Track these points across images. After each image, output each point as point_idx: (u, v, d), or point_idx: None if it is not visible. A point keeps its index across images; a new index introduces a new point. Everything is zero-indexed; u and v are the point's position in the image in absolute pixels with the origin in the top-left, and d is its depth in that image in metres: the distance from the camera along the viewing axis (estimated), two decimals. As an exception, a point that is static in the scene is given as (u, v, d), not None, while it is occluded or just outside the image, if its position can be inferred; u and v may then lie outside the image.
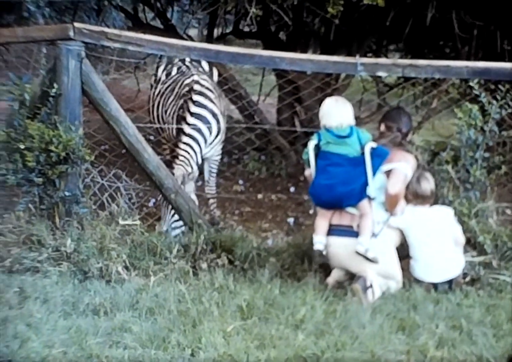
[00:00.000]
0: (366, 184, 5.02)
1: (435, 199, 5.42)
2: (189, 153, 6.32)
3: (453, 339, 4.41)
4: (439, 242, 5.26)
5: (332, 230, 5.12)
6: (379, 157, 5.06)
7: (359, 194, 5.03)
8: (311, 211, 6.87)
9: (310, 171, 5.24)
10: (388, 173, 5.15)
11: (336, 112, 5.18)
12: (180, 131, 6.43)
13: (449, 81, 6.55)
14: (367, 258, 4.98)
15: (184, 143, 6.34)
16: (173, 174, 6.01)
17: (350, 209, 5.08)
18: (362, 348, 4.26)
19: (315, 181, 5.15)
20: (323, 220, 5.14)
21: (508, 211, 5.98)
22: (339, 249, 5.08)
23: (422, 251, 5.25)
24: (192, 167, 6.26)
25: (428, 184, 5.32)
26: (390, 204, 5.18)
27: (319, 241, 5.10)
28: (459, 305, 4.92)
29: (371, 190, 5.04)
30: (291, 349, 4.20)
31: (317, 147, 5.15)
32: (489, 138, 5.74)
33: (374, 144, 5.08)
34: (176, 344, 4.21)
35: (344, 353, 4.19)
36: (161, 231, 5.84)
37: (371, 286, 4.94)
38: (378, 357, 4.17)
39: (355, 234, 5.03)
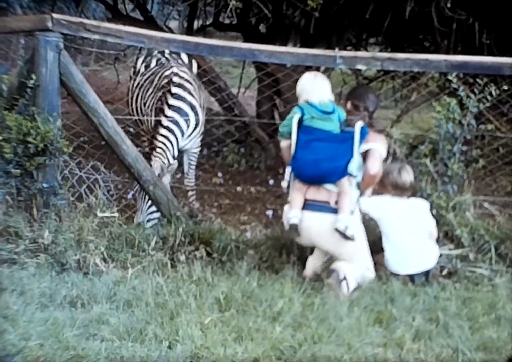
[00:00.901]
0: (349, 161, 4.99)
1: (413, 192, 5.44)
2: (166, 145, 6.31)
3: (429, 331, 4.44)
4: (413, 234, 5.28)
5: (307, 205, 5.06)
6: (362, 136, 5.04)
7: (343, 171, 4.99)
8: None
9: (286, 143, 5.18)
10: (363, 153, 5.14)
11: (317, 87, 5.18)
12: (158, 123, 6.42)
13: (428, 75, 6.56)
14: (345, 236, 4.93)
15: (162, 135, 6.33)
16: (151, 165, 6.01)
17: (328, 185, 5.04)
18: (339, 340, 4.27)
19: (297, 156, 5.06)
20: (298, 194, 5.08)
21: (485, 205, 6.01)
22: (313, 224, 5.02)
23: (395, 242, 5.27)
24: (168, 159, 6.25)
25: (408, 176, 5.34)
26: (367, 184, 5.20)
27: (295, 215, 5.02)
28: (436, 298, 4.94)
29: (353, 168, 5.01)
30: (268, 341, 4.20)
31: (299, 121, 5.09)
32: (467, 132, 5.77)
33: (362, 123, 5.07)
34: (153, 337, 4.20)
35: (321, 345, 4.20)
36: (136, 222, 5.84)
37: (345, 278, 4.93)
38: (355, 350, 4.18)
39: (331, 210, 4.99)
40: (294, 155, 5.08)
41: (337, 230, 4.92)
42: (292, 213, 5.02)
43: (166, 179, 6.10)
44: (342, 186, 5.01)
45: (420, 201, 5.38)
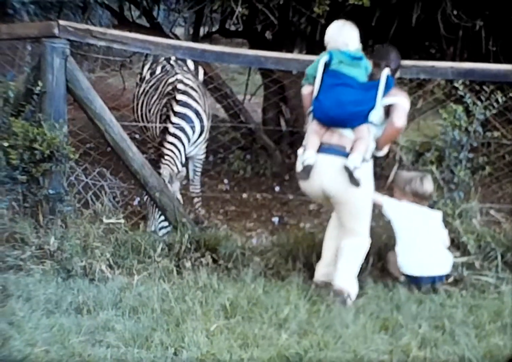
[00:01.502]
0: (372, 109, 4.97)
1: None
2: (174, 152, 6.32)
3: (435, 339, 4.44)
4: (427, 238, 5.28)
5: (323, 148, 5.01)
6: (387, 86, 5.00)
7: (365, 117, 4.96)
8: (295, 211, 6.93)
9: (309, 89, 5.14)
10: (386, 107, 5.07)
11: (345, 34, 5.15)
12: (164, 130, 6.43)
13: (434, 82, 6.56)
14: (352, 178, 4.88)
15: (169, 142, 6.34)
16: (159, 173, 6.01)
17: (345, 131, 5.00)
18: (345, 347, 4.27)
19: (320, 98, 5.03)
20: (315, 137, 5.03)
21: (491, 212, 6.01)
22: (326, 167, 4.96)
23: (410, 244, 5.26)
24: (177, 166, 6.26)
25: (429, 186, 5.36)
26: (389, 138, 5.15)
27: (310, 156, 4.96)
28: (442, 305, 4.94)
29: (375, 117, 4.98)
30: (274, 348, 4.21)
31: (325, 66, 5.05)
32: (473, 139, 5.78)
33: (388, 71, 5.03)
34: (159, 343, 4.21)
35: (327, 352, 4.21)
36: (148, 231, 5.84)
37: (348, 296, 4.95)
38: (361, 357, 4.18)
39: (346, 155, 4.93)
40: (318, 97, 5.05)
41: (345, 168, 4.87)
42: (308, 154, 4.97)
43: (176, 186, 6.11)
44: (360, 132, 4.97)
45: (435, 211, 5.40)
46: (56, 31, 5.49)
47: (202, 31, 9.51)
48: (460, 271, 5.34)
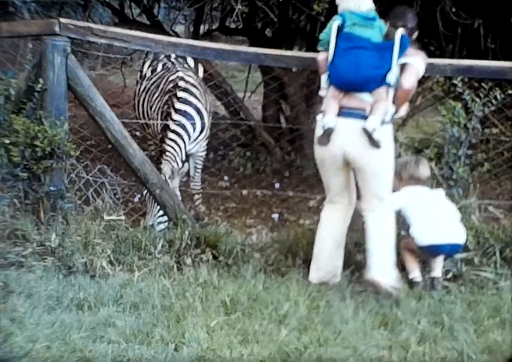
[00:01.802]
0: (389, 71, 4.89)
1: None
2: (174, 149, 6.33)
3: (434, 335, 4.44)
4: (439, 213, 5.28)
5: (342, 112, 4.94)
6: (403, 46, 4.92)
7: (382, 80, 4.89)
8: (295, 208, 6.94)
9: (325, 55, 5.04)
10: (400, 67, 5.00)
11: None
12: (165, 127, 6.43)
13: (433, 79, 6.55)
14: (371, 139, 4.83)
15: (170, 139, 6.36)
16: (160, 170, 6.03)
17: (363, 95, 4.94)
18: (344, 343, 4.27)
19: (336, 62, 4.93)
20: (334, 101, 4.94)
21: (490, 208, 6.01)
22: (346, 130, 4.90)
23: (424, 221, 5.23)
24: (177, 163, 6.28)
25: (425, 168, 5.36)
26: (400, 100, 5.08)
27: (331, 119, 4.88)
28: (441, 301, 4.94)
29: (392, 78, 4.91)
30: (274, 344, 4.21)
31: (339, 29, 4.95)
32: (472, 136, 5.78)
33: (403, 31, 4.94)
34: (160, 339, 4.21)
35: (327, 348, 4.21)
36: (146, 225, 5.85)
37: (390, 287, 4.95)
38: (361, 353, 4.19)
39: (365, 118, 4.88)
40: (333, 62, 4.95)
41: (364, 130, 4.83)
42: (328, 118, 4.89)
43: (176, 182, 6.12)
44: (379, 95, 4.91)
45: (437, 190, 5.43)
46: (57, 29, 5.48)
47: (202, 28, 9.51)
48: (459, 267, 5.35)
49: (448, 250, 5.26)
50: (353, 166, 5.02)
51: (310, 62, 5.99)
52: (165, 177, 6.06)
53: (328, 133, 4.88)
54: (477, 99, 5.81)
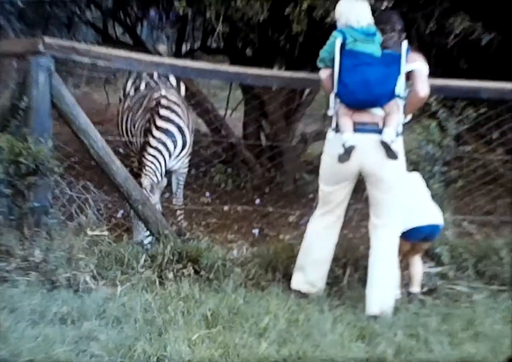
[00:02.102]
0: (397, 83, 4.89)
1: None
2: (154, 165, 6.34)
3: (410, 347, 4.47)
4: (417, 196, 5.28)
5: (357, 128, 4.90)
6: (406, 57, 4.91)
7: (393, 93, 4.88)
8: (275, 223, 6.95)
9: (328, 73, 4.98)
10: (406, 74, 4.97)
11: (357, 9, 4.98)
12: (145, 143, 6.45)
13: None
14: (389, 150, 4.83)
15: (151, 154, 6.37)
16: (140, 184, 6.03)
17: (375, 109, 4.92)
18: (323, 356, 4.28)
19: (346, 81, 4.86)
20: (347, 118, 4.90)
21: (464, 224, 6.05)
22: (363, 145, 4.87)
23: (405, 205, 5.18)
24: (157, 178, 6.29)
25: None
26: (415, 106, 5.08)
27: (350, 137, 4.84)
28: (416, 314, 4.98)
29: (401, 90, 4.92)
30: (254, 357, 4.21)
31: (341, 46, 4.88)
32: (446, 153, 5.82)
33: (407, 43, 4.94)
34: (142, 353, 4.18)
35: (306, 361, 4.22)
36: (137, 240, 5.85)
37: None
38: (339, 365, 4.21)
39: (380, 132, 4.88)
40: (342, 81, 4.88)
41: (382, 143, 4.83)
42: (347, 136, 4.85)
43: (157, 197, 6.14)
44: (389, 108, 4.90)
45: (412, 173, 5.39)
46: (41, 47, 5.47)
47: (184, 48, 9.54)
48: (434, 281, 5.39)
49: (428, 232, 5.22)
50: (370, 180, 5.00)
51: (289, 81, 6.06)
52: (146, 192, 6.06)
53: (349, 151, 4.83)
54: (451, 118, 5.87)
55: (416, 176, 5.37)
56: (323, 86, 5.13)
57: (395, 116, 4.91)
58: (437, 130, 5.80)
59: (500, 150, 6.95)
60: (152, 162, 6.35)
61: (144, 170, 6.30)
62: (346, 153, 4.84)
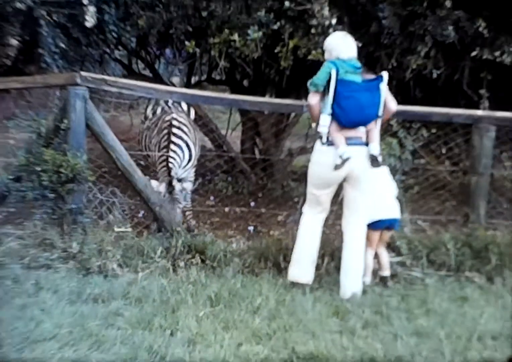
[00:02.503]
0: (379, 106, 4.86)
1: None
2: (170, 171, 6.34)
3: (375, 321, 4.51)
4: (383, 190, 5.22)
5: (347, 142, 4.82)
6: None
7: (377, 114, 4.87)
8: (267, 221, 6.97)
9: (317, 98, 4.82)
10: None
11: (347, 44, 4.88)
12: (164, 155, 6.48)
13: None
14: (376, 161, 4.84)
15: (169, 162, 6.41)
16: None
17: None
18: (305, 329, 4.33)
19: (343, 105, 4.74)
20: (339, 134, 4.80)
21: (419, 222, 6.07)
22: (353, 155, 4.79)
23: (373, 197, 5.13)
24: (171, 181, 6.27)
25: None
26: (387, 118, 5.11)
27: (345, 150, 4.76)
28: (380, 295, 5.00)
29: (381, 110, 4.89)
30: (249, 330, 4.26)
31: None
32: (405, 165, 5.84)
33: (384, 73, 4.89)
34: (159, 326, 4.24)
35: (291, 333, 4.26)
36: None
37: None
38: (317, 336, 4.23)
39: (364, 144, 4.85)
40: (339, 105, 4.75)
41: (371, 156, 4.82)
42: (343, 149, 4.77)
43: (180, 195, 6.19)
44: (372, 125, 4.88)
45: (382, 167, 5.24)
46: (78, 80, 5.53)
47: (194, 79, 9.54)
48: (394, 268, 5.39)
49: (387, 224, 5.20)
50: (351, 182, 4.93)
51: (278, 106, 6.09)
52: (163, 193, 6.08)
53: (345, 161, 4.79)
54: (409, 136, 5.90)
55: (385, 170, 5.29)
56: (311, 108, 4.90)
57: (376, 132, 4.90)
58: (397, 146, 5.82)
59: (447, 162, 6.97)
60: (170, 168, 6.37)
61: (162, 177, 6.31)
62: (343, 163, 4.80)
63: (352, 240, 5.03)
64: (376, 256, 5.30)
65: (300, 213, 5.21)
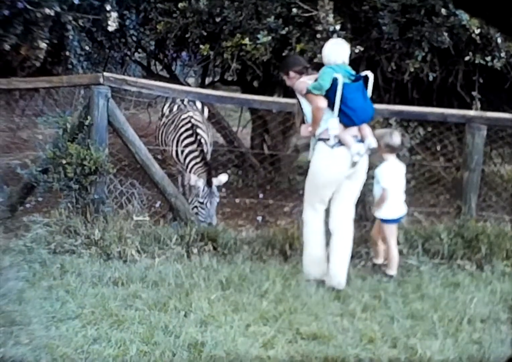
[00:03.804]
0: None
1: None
2: (198, 163, 6.31)
3: (374, 305, 4.51)
4: (402, 187, 5.15)
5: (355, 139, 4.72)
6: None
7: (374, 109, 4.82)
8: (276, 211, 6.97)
9: (326, 102, 4.63)
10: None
11: (341, 50, 4.77)
12: (181, 151, 6.45)
13: (375, 119, 6.61)
14: (375, 153, 4.86)
15: (193, 157, 6.36)
16: (173, 182, 6.02)
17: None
18: (309, 312, 4.33)
19: (351, 106, 4.63)
20: (348, 134, 4.70)
21: (415, 214, 6.05)
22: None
23: (394, 195, 5.07)
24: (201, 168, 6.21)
25: (398, 138, 5.09)
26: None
27: (360, 147, 4.69)
28: (379, 281, 4.99)
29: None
30: (257, 312, 4.27)
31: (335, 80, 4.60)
32: (402, 161, 5.80)
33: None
34: (174, 308, 4.26)
35: (296, 315, 4.27)
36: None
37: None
38: (320, 318, 4.24)
39: (360, 141, 4.72)
40: (348, 106, 4.63)
41: (372, 149, 4.77)
42: (358, 147, 4.67)
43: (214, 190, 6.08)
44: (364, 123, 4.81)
45: (401, 163, 5.20)
46: (101, 80, 5.54)
47: (207, 80, 9.53)
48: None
49: (397, 221, 5.16)
50: (354, 177, 4.82)
51: (285, 105, 6.06)
52: (198, 187, 5.97)
53: (361, 157, 4.71)
54: (406, 134, 5.88)
55: (403, 167, 5.17)
56: (320, 112, 4.66)
57: (368, 128, 4.81)
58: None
59: (442, 159, 6.95)
60: (201, 167, 6.27)
61: (197, 172, 6.21)
62: (357, 161, 4.71)
63: (342, 231, 4.91)
64: (374, 245, 5.29)
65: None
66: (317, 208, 4.93)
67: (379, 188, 5.08)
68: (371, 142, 4.78)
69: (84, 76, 6.05)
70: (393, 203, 5.09)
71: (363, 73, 4.82)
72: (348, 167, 4.74)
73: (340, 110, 4.65)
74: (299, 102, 4.95)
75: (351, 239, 4.95)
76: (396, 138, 5.09)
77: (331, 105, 4.66)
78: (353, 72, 4.81)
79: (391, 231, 5.12)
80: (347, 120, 4.70)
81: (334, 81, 4.60)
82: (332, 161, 4.76)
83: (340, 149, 4.72)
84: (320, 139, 4.77)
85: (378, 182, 5.07)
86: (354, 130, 4.78)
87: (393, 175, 5.09)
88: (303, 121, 4.98)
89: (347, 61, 4.81)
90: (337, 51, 4.77)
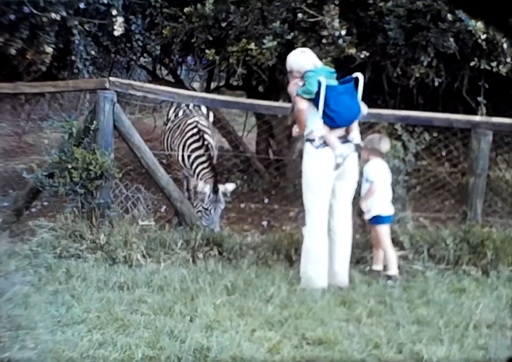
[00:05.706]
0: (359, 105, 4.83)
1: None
2: (205, 169, 6.32)
3: (379, 310, 4.49)
4: (389, 185, 5.21)
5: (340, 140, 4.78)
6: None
7: (361, 110, 4.83)
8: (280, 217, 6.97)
9: (307, 104, 4.70)
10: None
11: (311, 57, 4.83)
12: (193, 156, 6.46)
13: (380, 124, 6.62)
14: (360, 148, 4.87)
15: (201, 162, 6.36)
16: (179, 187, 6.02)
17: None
18: (314, 317, 4.32)
19: (334, 108, 4.65)
20: (332, 136, 4.74)
21: (420, 219, 6.05)
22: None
23: (382, 193, 5.14)
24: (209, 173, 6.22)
25: (385, 143, 5.22)
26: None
27: (344, 148, 4.73)
28: (384, 286, 4.98)
29: (362, 108, 4.86)
30: (262, 317, 4.26)
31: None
32: (408, 166, 5.82)
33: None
34: (179, 313, 4.25)
35: (301, 320, 4.25)
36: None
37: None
38: (326, 324, 4.23)
39: (349, 141, 4.78)
40: (331, 108, 4.65)
41: (357, 146, 4.80)
42: (342, 148, 4.73)
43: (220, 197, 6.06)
44: (353, 125, 4.84)
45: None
46: (107, 85, 5.55)
47: (213, 85, 9.55)
48: (397, 261, 5.37)
49: (387, 221, 5.17)
50: (342, 174, 4.83)
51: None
52: (205, 193, 5.97)
53: (345, 158, 4.75)
54: (412, 139, 5.88)
55: (386, 166, 5.25)
56: (303, 113, 4.74)
57: (357, 127, 4.86)
58: (401, 148, 5.80)
59: (447, 164, 6.95)
60: (208, 173, 6.26)
61: (204, 178, 6.19)
62: (343, 161, 4.75)
63: (343, 231, 4.94)
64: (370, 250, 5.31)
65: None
66: (324, 208, 4.88)
67: (367, 185, 5.17)
68: (354, 137, 4.82)
69: (90, 81, 6.08)
70: (381, 199, 5.12)
71: (354, 75, 4.84)
72: (333, 168, 4.78)
73: (324, 112, 4.70)
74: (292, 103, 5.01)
75: (351, 238, 4.98)
76: (384, 144, 5.24)
77: (316, 107, 4.71)
78: (333, 70, 4.88)
79: (383, 232, 5.15)
80: (330, 121, 4.74)
81: (318, 84, 4.65)
82: (317, 161, 4.81)
83: (325, 150, 4.77)
84: (307, 140, 4.85)
85: (367, 180, 5.16)
86: (340, 131, 4.81)
87: (379, 171, 5.19)
88: (294, 122, 5.06)
89: (320, 64, 4.86)
90: (308, 58, 4.82)
